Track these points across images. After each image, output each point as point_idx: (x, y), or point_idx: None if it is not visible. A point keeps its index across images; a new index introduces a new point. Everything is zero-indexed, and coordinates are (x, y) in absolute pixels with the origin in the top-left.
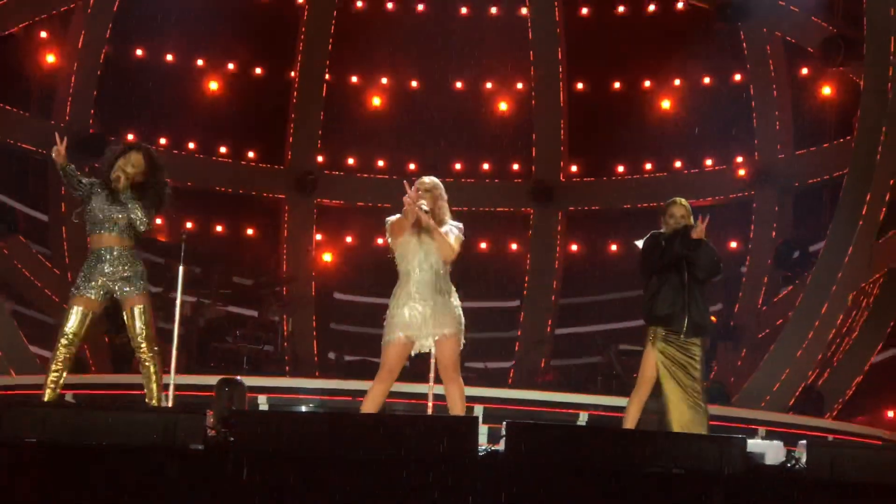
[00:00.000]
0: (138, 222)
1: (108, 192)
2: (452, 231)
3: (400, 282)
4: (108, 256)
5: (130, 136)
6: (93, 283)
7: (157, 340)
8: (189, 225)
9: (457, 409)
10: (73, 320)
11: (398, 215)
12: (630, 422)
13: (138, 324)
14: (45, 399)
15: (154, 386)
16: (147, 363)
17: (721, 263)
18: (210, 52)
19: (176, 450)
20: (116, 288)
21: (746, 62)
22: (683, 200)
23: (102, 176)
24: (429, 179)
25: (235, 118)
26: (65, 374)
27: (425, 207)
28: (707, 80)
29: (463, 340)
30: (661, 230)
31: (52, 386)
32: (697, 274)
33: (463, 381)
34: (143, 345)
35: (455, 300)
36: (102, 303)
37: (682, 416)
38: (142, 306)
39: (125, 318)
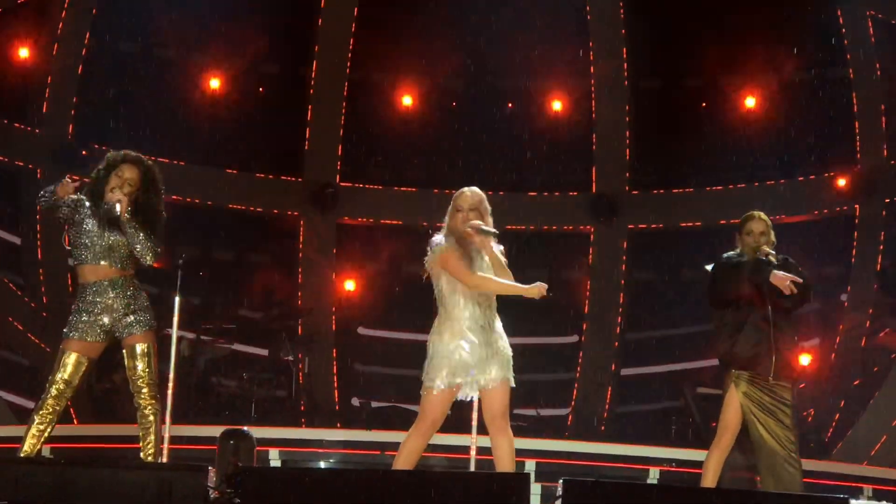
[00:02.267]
0: (144, 257)
1: (101, 219)
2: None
3: (446, 317)
4: (106, 290)
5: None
6: (90, 322)
7: (159, 386)
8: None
9: (505, 464)
10: (67, 368)
11: (450, 244)
12: (710, 479)
13: (140, 365)
14: (22, 454)
15: (152, 439)
16: (147, 411)
17: (811, 289)
18: (211, 45)
19: None
20: (119, 326)
21: (846, 52)
22: (762, 214)
23: (92, 194)
24: (471, 192)
25: (242, 122)
26: (50, 430)
27: (493, 230)
28: (799, 74)
29: (513, 384)
30: (736, 251)
31: (33, 441)
32: (784, 302)
33: (512, 429)
34: (144, 390)
35: (505, 339)
36: (102, 345)
37: (775, 473)
38: (145, 345)
39: (125, 357)
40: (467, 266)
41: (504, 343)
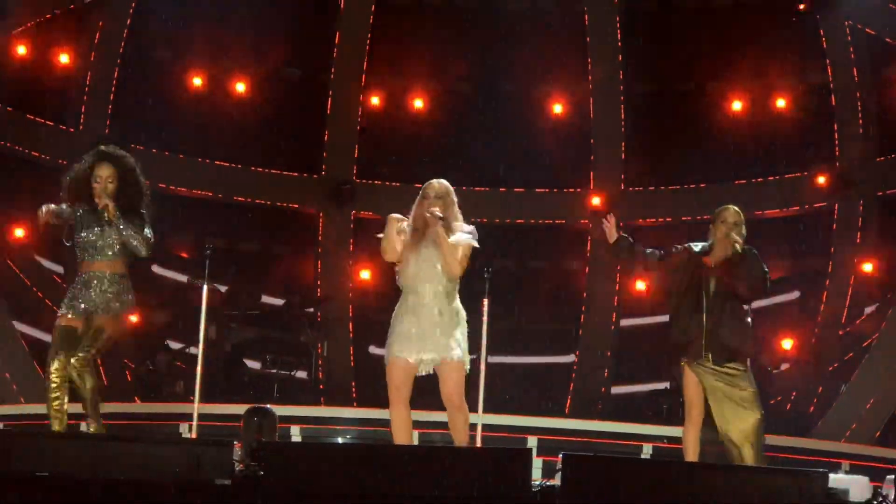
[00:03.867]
0: (139, 251)
1: (95, 217)
2: (461, 241)
3: (401, 298)
4: (97, 282)
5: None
6: (76, 304)
7: (95, 364)
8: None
9: (460, 438)
10: (57, 340)
11: (395, 222)
12: (690, 453)
13: (89, 341)
14: (54, 429)
15: (89, 407)
16: (82, 382)
17: (768, 282)
18: (237, 51)
19: (200, 485)
20: (98, 311)
21: (826, 58)
22: (736, 208)
23: (77, 193)
24: (438, 183)
25: (265, 123)
26: (66, 400)
27: (439, 213)
28: (783, 79)
29: (468, 367)
30: (707, 242)
31: (58, 415)
32: (739, 290)
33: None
34: (79, 360)
35: (460, 322)
36: (86, 326)
37: (742, 424)
38: (110, 328)
39: (85, 329)
40: (404, 245)
41: (459, 326)
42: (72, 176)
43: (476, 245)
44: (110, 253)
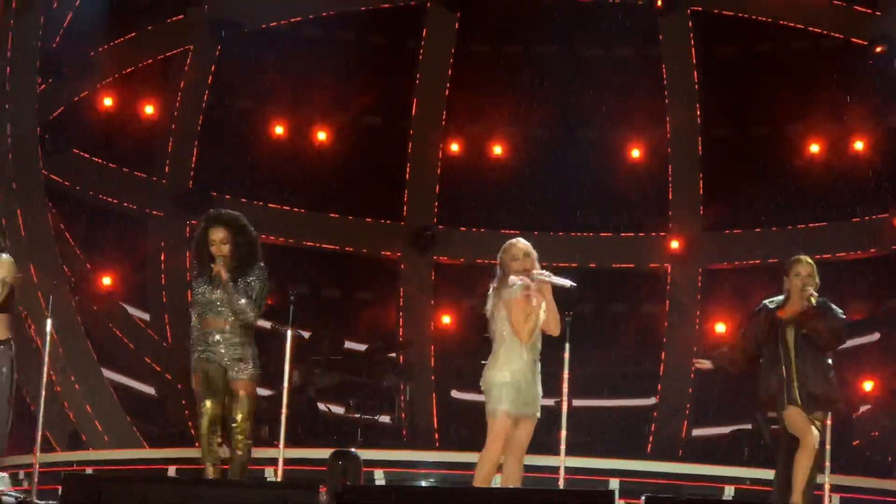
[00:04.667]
0: (246, 316)
1: (210, 278)
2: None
3: (508, 352)
4: (218, 337)
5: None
6: (206, 355)
7: (254, 431)
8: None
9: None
10: (202, 390)
11: (519, 286)
12: (801, 479)
13: (240, 414)
14: (208, 472)
15: (237, 469)
16: (238, 451)
17: (844, 333)
18: (318, 100)
19: None
20: (228, 366)
21: None
22: (808, 258)
23: (197, 257)
24: (522, 242)
25: (347, 171)
26: (218, 440)
27: (562, 280)
28: (861, 122)
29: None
30: (781, 296)
31: (211, 459)
32: (818, 343)
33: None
34: (239, 436)
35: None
36: (219, 373)
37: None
38: (247, 393)
39: (228, 398)
40: (527, 315)
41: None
42: (193, 243)
43: None
44: (226, 310)
